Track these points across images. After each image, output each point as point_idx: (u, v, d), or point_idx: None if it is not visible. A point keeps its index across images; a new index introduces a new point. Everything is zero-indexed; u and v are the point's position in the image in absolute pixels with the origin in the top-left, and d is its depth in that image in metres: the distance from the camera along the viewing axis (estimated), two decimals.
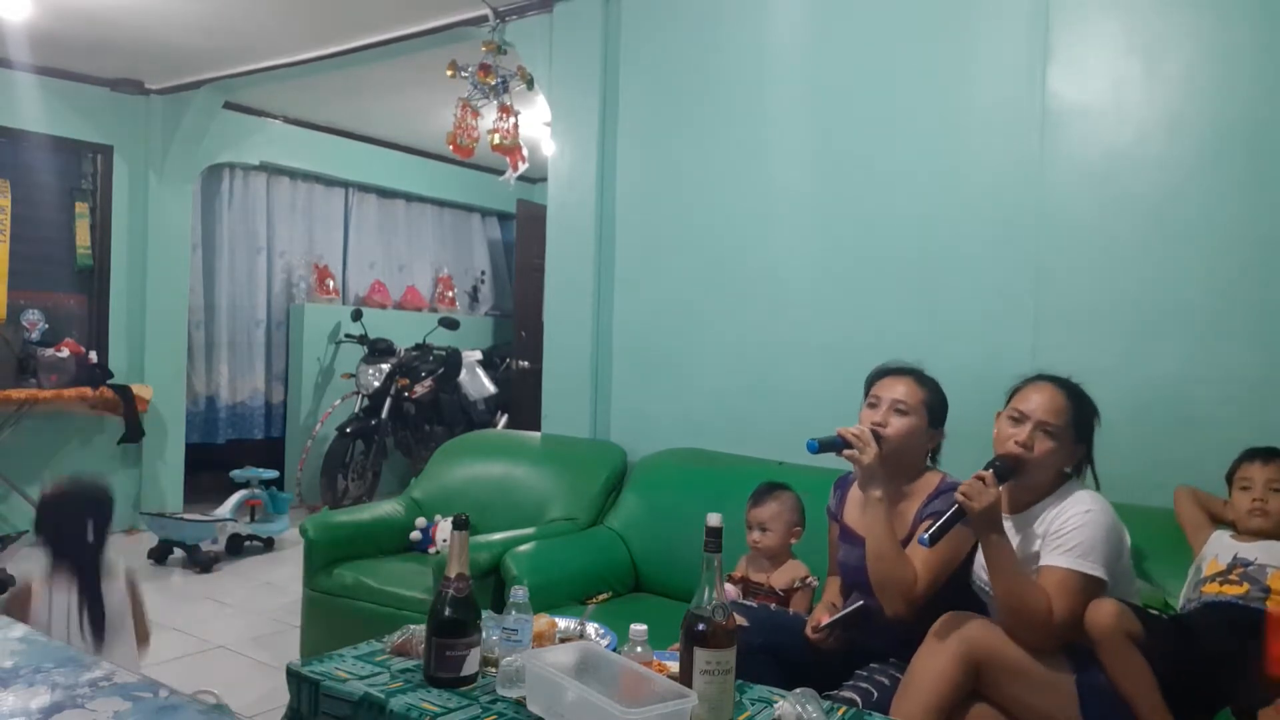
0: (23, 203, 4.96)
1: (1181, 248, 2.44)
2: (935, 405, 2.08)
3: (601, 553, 3.00)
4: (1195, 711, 1.73)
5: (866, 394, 2.13)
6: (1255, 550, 1.89)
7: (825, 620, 2.03)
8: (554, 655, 1.62)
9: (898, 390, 2.06)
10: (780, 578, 2.31)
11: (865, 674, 1.97)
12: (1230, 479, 2.05)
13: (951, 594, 1.95)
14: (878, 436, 2.00)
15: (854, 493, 2.18)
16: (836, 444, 1.98)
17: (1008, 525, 1.92)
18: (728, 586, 2.29)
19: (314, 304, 6.27)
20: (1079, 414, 1.93)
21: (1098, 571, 1.78)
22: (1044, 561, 1.83)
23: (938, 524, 1.83)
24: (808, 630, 2.06)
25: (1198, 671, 1.73)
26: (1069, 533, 1.82)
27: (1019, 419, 1.91)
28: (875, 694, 1.88)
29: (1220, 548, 1.97)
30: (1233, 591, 1.85)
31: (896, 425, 2.03)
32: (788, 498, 2.37)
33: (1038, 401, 1.91)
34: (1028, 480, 1.92)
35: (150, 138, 5.36)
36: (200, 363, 5.93)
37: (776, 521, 2.32)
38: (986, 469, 1.85)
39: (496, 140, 3.74)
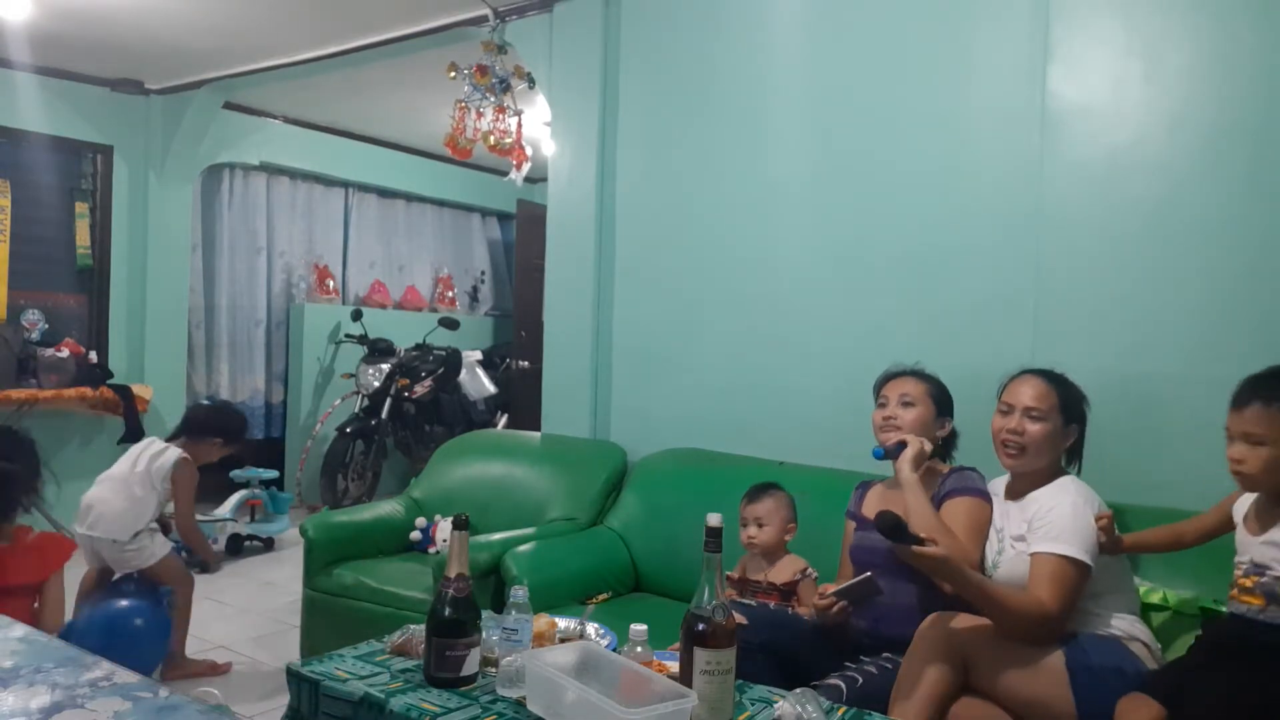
0: (23, 203, 4.96)
1: (1182, 247, 2.44)
2: (939, 395, 2.28)
3: (601, 553, 3.00)
4: None
5: (875, 398, 2.30)
6: (1269, 556, 1.68)
7: (832, 589, 2.08)
8: (554, 655, 1.62)
9: (903, 387, 2.26)
10: (781, 573, 2.33)
11: (853, 665, 2.00)
12: None
13: (949, 594, 1.97)
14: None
15: (874, 491, 2.33)
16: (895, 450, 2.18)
17: (1010, 511, 2.02)
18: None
19: (314, 304, 6.27)
20: (1065, 397, 2.02)
21: (1074, 552, 1.83)
22: (1032, 549, 1.89)
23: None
24: (814, 599, 2.13)
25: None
26: (1045, 517, 1.90)
27: (1008, 411, 2.04)
28: (860, 680, 1.92)
29: (1243, 534, 1.78)
30: (1251, 602, 1.68)
31: (906, 417, 2.22)
32: (782, 495, 2.40)
33: (1023, 391, 2.03)
34: (1026, 467, 2.01)
35: (150, 138, 5.36)
36: (200, 363, 5.92)
37: (773, 516, 2.36)
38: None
39: (493, 141, 3.73)
